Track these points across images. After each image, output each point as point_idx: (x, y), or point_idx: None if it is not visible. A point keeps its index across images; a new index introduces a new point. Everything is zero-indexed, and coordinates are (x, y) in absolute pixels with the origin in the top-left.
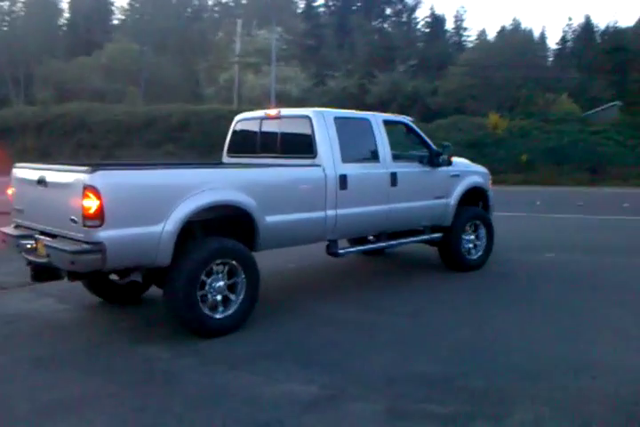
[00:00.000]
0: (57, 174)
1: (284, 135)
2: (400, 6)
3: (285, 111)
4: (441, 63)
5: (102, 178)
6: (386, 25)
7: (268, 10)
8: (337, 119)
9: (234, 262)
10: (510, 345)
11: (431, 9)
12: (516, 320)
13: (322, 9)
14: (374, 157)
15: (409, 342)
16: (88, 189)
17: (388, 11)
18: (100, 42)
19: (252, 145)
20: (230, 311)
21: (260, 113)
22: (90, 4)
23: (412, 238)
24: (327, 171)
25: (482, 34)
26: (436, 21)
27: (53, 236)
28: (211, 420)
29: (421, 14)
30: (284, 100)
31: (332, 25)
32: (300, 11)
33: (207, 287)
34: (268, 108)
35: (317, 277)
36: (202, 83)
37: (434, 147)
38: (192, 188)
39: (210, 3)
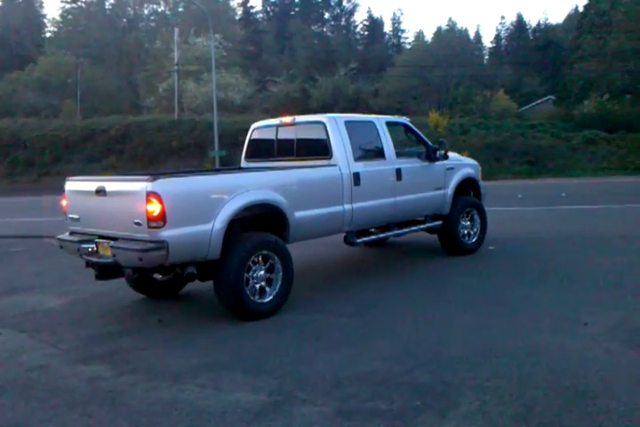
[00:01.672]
0: (117, 184)
1: (300, 140)
2: (338, 10)
3: (300, 118)
4: (381, 65)
5: (162, 185)
6: (325, 29)
7: (206, 17)
8: (347, 123)
9: (272, 254)
10: (453, 338)
11: (368, 12)
12: (458, 313)
13: (260, 15)
14: (381, 155)
15: (356, 342)
16: (151, 195)
17: (327, 15)
18: (32, 55)
19: (270, 150)
20: (271, 297)
21: (275, 121)
22: (20, 17)
23: (416, 227)
24: (342, 170)
25: (419, 35)
26: (374, 24)
27: (114, 238)
28: None
29: (359, 18)
30: (227, 108)
31: (271, 30)
32: (237, 17)
33: (250, 276)
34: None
35: None
36: (141, 93)
37: (430, 143)
38: (234, 190)
39: (145, 12)
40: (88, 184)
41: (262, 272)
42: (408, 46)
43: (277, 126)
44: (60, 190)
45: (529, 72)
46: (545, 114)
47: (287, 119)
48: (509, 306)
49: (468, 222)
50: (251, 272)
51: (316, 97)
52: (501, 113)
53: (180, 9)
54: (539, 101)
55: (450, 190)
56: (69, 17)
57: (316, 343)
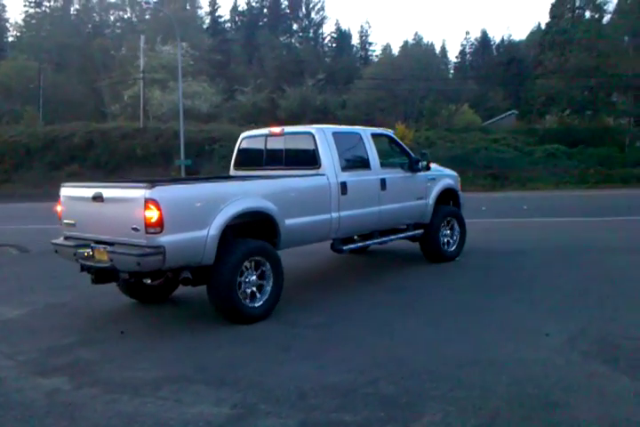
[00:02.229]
0: (115, 191)
1: (289, 150)
2: (306, 22)
3: (288, 129)
4: (348, 77)
5: (160, 192)
6: (293, 40)
7: (173, 25)
8: (334, 134)
9: (264, 259)
10: (418, 349)
11: (337, 24)
12: (423, 324)
13: (228, 24)
14: (366, 165)
15: (320, 353)
16: (149, 201)
17: (295, 26)
18: None
19: (258, 159)
20: (261, 301)
21: (264, 131)
22: None
23: (399, 235)
24: (330, 179)
25: (386, 48)
26: (342, 36)
27: (110, 243)
28: None
29: (327, 30)
30: (194, 116)
31: (239, 40)
32: (205, 26)
33: (242, 281)
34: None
35: None
36: (106, 100)
37: (413, 155)
38: (228, 198)
39: (111, 18)
40: (84, 190)
41: (254, 277)
42: (375, 59)
43: (266, 136)
44: (21, 198)
45: (493, 87)
46: (508, 128)
47: (276, 129)
48: (473, 317)
49: (449, 231)
50: (243, 277)
51: (284, 107)
52: (466, 126)
53: (147, 16)
54: (502, 116)
55: (431, 200)
56: (33, 21)
57: (281, 355)
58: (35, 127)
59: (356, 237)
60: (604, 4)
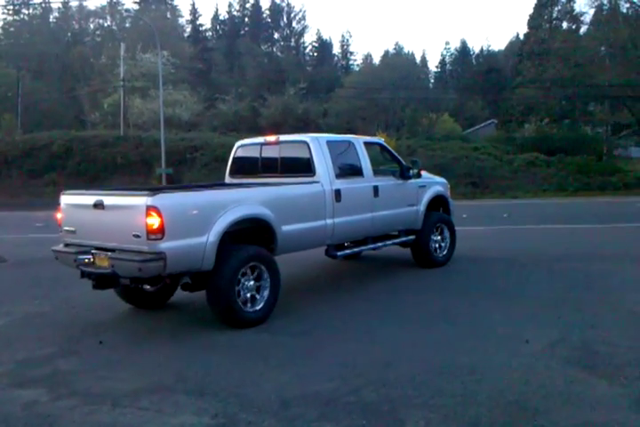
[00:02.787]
0: (116, 198)
1: (284, 158)
2: (287, 31)
3: (283, 137)
4: (329, 86)
5: (161, 199)
6: (274, 49)
7: (153, 33)
8: (328, 143)
9: (261, 265)
10: (399, 357)
11: (318, 34)
12: (404, 331)
13: (209, 33)
14: (359, 173)
15: (302, 362)
16: (151, 208)
17: (276, 35)
18: None
19: (254, 167)
20: (259, 306)
21: (259, 139)
22: None
23: (392, 241)
24: (325, 186)
25: (367, 57)
26: (323, 46)
27: (110, 250)
28: None
29: (309, 39)
30: (174, 124)
31: (220, 49)
32: (186, 35)
33: (241, 286)
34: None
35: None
36: (85, 108)
37: (404, 162)
38: (227, 205)
39: (91, 26)
40: (85, 198)
41: (252, 282)
42: (356, 68)
43: (261, 145)
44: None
45: (472, 96)
46: (488, 137)
47: (271, 138)
48: (454, 324)
49: (439, 237)
50: (241, 282)
51: (265, 116)
52: (447, 135)
53: (127, 24)
54: (482, 125)
55: (422, 207)
56: (11, 29)
57: (262, 363)
58: (13, 135)
59: (347, 244)
60: (581, 16)
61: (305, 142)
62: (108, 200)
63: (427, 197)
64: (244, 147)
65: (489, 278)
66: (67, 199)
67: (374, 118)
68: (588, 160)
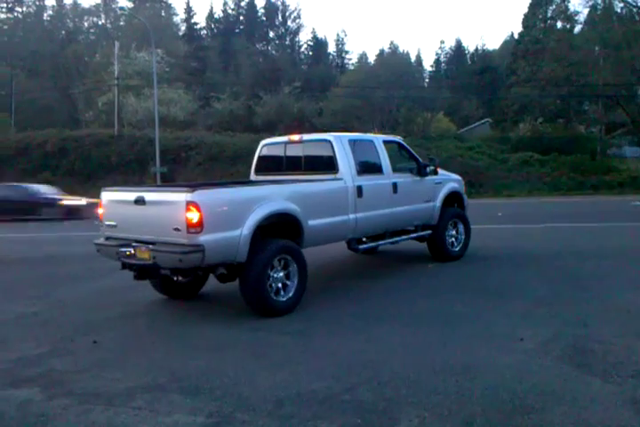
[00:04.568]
0: (157, 194)
1: (308, 156)
2: (283, 30)
3: (307, 136)
4: (325, 85)
5: (200, 195)
6: (269, 48)
7: (148, 32)
8: (350, 141)
9: (290, 257)
10: (393, 355)
11: (313, 33)
12: (399, 330)
13: (204, 31)
14: (379, 170)
15: (297, 361)
16: (191, 204)
17: (271, 34)
18: None
19: (278, 165)
20: (288, 296)
21: (283, 138)
22: None
23: (409, 235)
24: (347, 183)
25: (362, 57)
26: (319, 45)
27: (150, 243)
28: None
29: (304, 38)
30: (169, 123)
31: (215, 47)
32: (181, 33)
33: (271, 277)
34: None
35: (204, 300)
36: (79, 107)
37: (421, 160)
38: (259, 200)
39: (85, 25)
40: (126, 194)
41: (281, 274)
42: (351, 67)
43: (285, 144)
44: None
45: (467, 95)
46: (482, 136)
47: (295, 137)
48: (449, 322)
49: (454, 231)
50: (272, 273)
51: (260, 114)
52: (442, 134)
53: (122, 23)
54: (477, 124)
55: (438, 202)
56: (5, 27)
57: (256, 362)
58: (6, 134)
59: (364, 239)
60: (575, 15)
61: (328, 141)
62: (149, 196)
63: (442, 193)
64: (269, 146)
65: (483, 277)
66: (107, 195)
67: (369, 117)
68: (583, 159)
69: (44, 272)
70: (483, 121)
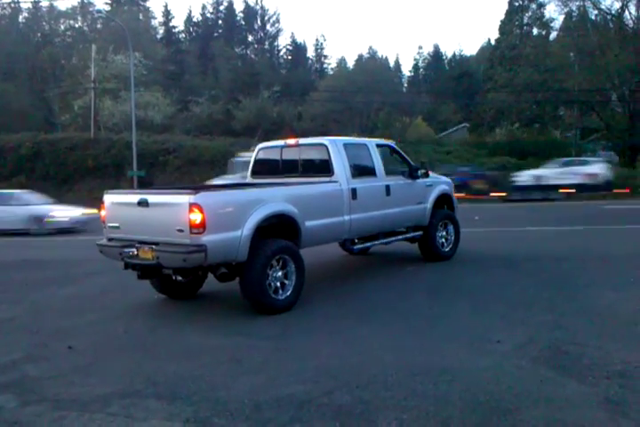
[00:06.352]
0: (160, 197)
1: (304, 159)
2: (261, 34)
3: (303, 140)
4: (304, 89)
5: (203, 197)
6: (248, 52)
7: (125, 35)
8: (345, 145)
9: (288, 257)
10: (371, 358)
11: (292, 37)
12: (377, 333)
13: (182, 35)
14: (372, 173)
15: (275, 365)
16: (194, 205)
17: (250, 38)
18: None
19: (275, 168)
20: (286, 294)
21: (280, 142)
22: None
23: (401, 236)
24: (342, 185)
25: (341, 61)
26: (298, 49)
27: (153, 243)
28: None
29: (283, 42)
30: (147, 127)
31: (193, 51)
32: (159, 36)
33: (270, 276)
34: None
35: (183, 306)
36: (55, 110)
37: (413, 163)
38: (258, 202)
39: (62, 27)
40: (129, 196)
41: (280, 273)
42: (330, 72)
43: (282, 147)
44: None
45: (445, 100)
46: (460, 140)
47: (291, 141)
48: (426, 325)
49: (444, 232)
50: (271, 273)
51: (239, 118)
52: (420, 139)
53: (99, 26)
54: (455, 128)
55: (429, 204)
56: None
57: (234, 367)
58: None
59: (356, 240)
60: (551, 22)
61: (324, 145)
62: (153, 198)
63: (433, 195)
64: (266, 149)
65: (461, 279)
66: (110, 198)
67: (348, 122)
68: None
69: (18, 277)
70: (460, 125)
